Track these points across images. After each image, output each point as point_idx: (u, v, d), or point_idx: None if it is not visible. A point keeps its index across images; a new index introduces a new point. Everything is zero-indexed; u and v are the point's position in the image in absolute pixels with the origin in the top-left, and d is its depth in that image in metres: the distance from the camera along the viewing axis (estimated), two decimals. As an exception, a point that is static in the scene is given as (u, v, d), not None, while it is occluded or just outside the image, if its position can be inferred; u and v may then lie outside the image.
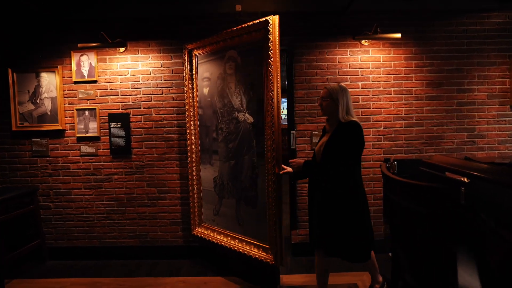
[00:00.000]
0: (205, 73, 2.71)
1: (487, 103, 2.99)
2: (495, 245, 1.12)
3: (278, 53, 2.13)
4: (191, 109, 2.83)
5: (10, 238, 2.79)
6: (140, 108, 2.99)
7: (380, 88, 2.95)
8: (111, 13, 2.91)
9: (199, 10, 2.89)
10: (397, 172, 2.23)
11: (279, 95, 2.15)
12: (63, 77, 2.98)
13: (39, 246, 2.96)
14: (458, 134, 2.99)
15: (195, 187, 2.86)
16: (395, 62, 2.94)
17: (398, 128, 2.97)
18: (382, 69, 2.94)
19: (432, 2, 2.88)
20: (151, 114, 2.99)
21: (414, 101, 2.96)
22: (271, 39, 2.12)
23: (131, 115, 2.99)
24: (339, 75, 2.93)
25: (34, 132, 3.00)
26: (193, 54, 2.78)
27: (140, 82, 2.98)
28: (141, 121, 3.00)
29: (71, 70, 2.97)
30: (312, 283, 2.46)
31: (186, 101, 2.82)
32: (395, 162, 2.37)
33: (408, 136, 2.98)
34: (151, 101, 2.99)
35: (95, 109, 2.98)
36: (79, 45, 2.79)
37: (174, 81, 2.97)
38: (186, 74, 2.81)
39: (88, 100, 2.99)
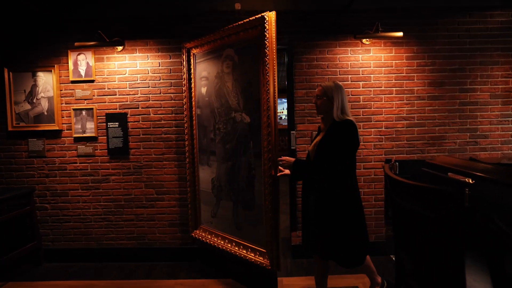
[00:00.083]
0: (203, 72, 2.67)
1: (490, 103, 2.94)
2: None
3: (274, 51, 2.07)
4: (189, 109, 2.79)
5: (5, 240, 2.74)
6: (138, 108, 2.95)
7: (381, 87, 2.91)
8: (109, 12, 2.87)
9: (198, 8, 2.85)
10: (399, 173, 2.18)
11: (276, 94, 2.09)
12: (60, 77, 2.94)
13: (35, 248, 2.92)
14: (460, 135, 2.95)
15: (193, 188, 2.81)
16: (397, 61, 2.90)
17: (399, 128, 2.93)
18: (383, 68, 2.90)
19: (434, 0, 2.84)
20: (149, 114, 2.95)
21: (416, 101, 2.92)
22: (267, 36, 2.06)
23: (129, 115, 2.95)
24: (339, 75, 2.89)
25: (30, 132, 2.96)
26: (191, 53, 2.74)
27: (138, 81, 2.94)
28: (139, 121, 2.96)
29: (68, 70, 2.94)
30: (313, 286, 2.41)
31: (184, 100, 2.78)
32: (397, 163, 2.33)
33: (410, 137, 2.94)
34: (149, 100, 2.95)
35: (92, 109, 2.94)
36: (76, 44, 2.76)
37: (172, 81, 2.93)
38: (184, 74, 2.77)
39: (85, 99, 2.96)
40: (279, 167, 2.07)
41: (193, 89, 2.76)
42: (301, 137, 2.92)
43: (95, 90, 2.95)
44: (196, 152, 2.79)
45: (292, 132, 2.94)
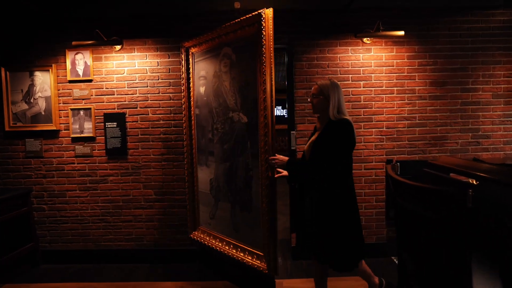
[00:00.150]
0: (201, 72, 2.64)
1: (492, 102, 2.91)
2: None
3: (272, 49, 2.02)
4: (188, 109, 2.75)
5: (2, 241, 2.71)
6: (137, 107, 2.92)
7: (382, 87, 2.88)
8: (109, 12, 2.84)
9: (198, 8, 2.82)
10: (400, 173, 2.15)
11: (273, 93, 2.04)
12: (57, 76, 2.92)
13: (33, 249, 2.89)
14: (462, 135, 2.92)
15: (191, 189, 2.78)
16: (398, 60, 2.87)
17: (401, 129, 2.90)
18: (384, 67, 2.87)
19: (435, 0, 2.81)
20: (148, 114, 2.93)
21: (417, 101, 2.89)
22: (264, 33, 2.01)
23: (127, 115, 2.93)
24: (340, 74, 2.86)
25: (27, 133, 2.93)
26: (190, 52, 2.71)
27: (137, 81, 2.91)
28: (137, 121, 2.93)
29: (65, 69, 2.91)
30: (313, 288, 2.38)
31: (183, 100, 2.75)
32: (398, 163, 2.30)
33: (411, 137, 2.91)
34: (147, 100, 2.92)
35: (90, 108, 2.91)
36: (74, 43, 2.73)
37: (171, 80, 2.90)
38: (183, 73, 2.74)
39: (83, 99, 2.93)
40: (277, 168, 2.03)
41: (192, 88, 2.72)
42: (301, 137, 2.89)
43: (93, 90, 2.92)
44: (195, 152, 2.75)
45: (292, 132, 2.91)
